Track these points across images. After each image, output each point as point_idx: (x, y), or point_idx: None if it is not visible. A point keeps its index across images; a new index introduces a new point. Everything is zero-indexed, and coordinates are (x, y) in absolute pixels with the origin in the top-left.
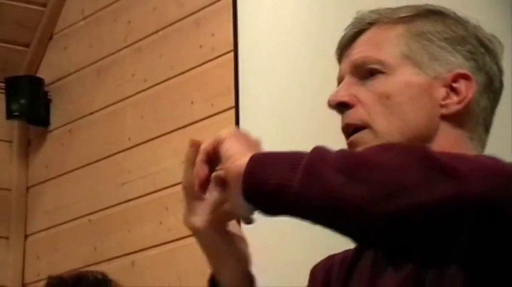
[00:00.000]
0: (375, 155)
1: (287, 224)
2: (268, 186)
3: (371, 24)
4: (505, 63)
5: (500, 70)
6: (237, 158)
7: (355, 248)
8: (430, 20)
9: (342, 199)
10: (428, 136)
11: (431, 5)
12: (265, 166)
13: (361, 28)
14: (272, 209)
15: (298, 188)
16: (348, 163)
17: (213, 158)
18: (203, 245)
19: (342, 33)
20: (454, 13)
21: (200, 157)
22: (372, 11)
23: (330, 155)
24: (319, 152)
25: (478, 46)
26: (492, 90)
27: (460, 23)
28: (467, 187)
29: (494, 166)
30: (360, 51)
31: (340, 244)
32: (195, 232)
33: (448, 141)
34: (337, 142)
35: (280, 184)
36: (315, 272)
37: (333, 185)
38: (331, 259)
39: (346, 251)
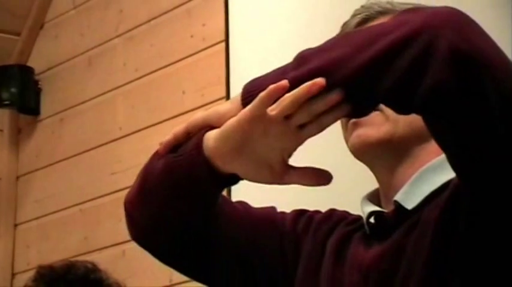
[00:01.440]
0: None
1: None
2: (266, 87)
3: (380, 13)
4: None
5: None
6: (223, 104)
7: (356, 219)
8: None
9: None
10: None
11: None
12: (257, 80)
13: (370, 16)
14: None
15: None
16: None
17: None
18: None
19: (346, 19)
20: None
21: (170, 140)
22: (383, 1)
23: (316, 49)
24: (305, 52)
25: None
26: None
27: None
28: None
29: None
30: None
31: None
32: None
33: None
34: (330, 131)
35: (276, 81)
36: (332, 215)
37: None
38: (344, 214)
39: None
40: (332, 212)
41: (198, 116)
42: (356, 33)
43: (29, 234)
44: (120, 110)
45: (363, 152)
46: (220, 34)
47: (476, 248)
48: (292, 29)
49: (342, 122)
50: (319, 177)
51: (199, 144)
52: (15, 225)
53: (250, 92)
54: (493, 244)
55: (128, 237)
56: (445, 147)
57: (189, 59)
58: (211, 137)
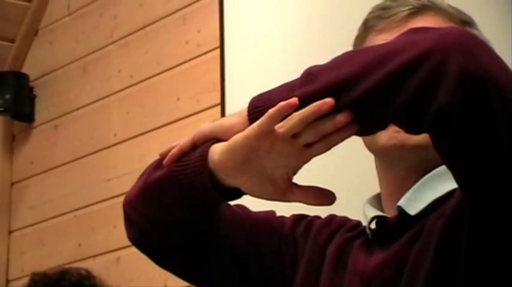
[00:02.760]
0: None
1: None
2: (274, 103)
3: (426, 8)
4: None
5: None
6: (229, 117)
7: (356, 224)
8: (478, 31)
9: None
10: None
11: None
12: (265, 95)
13: (417, 7)
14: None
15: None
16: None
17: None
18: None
19: (382, 7)
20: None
21: (176, 152)
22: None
23: (324, 66)
24: (313, 68)
25: None
26: None
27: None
28: None
29: None
30: None
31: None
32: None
33: None
34: None
35: (284, 97)
36: (332, 220)
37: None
38: (345, 219)
39: (352, 223)
40: (332, 217)
41: (205, 127)
42: (365, 52)
43: (24, 240)
44: (115, 116)
45: (400, 151)
46: (215, 40)
47: (479, 261)
48: (287, 35)
49: None
50: (323, 197)
51: (204, 156)
52: (10, 232)
53: (257, 107)
54: (496, 258)
55: (123, 243)
56: (451, 166)
57: (184, 65)
58: (216, 150)
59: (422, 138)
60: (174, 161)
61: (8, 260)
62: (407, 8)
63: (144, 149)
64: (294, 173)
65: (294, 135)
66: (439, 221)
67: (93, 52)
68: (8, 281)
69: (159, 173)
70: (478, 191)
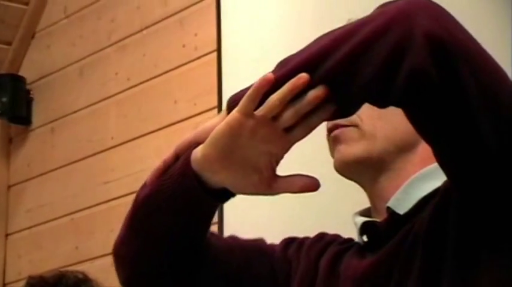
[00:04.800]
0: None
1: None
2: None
3: None
4: (505, 63)
5: None
6: (210, 120)
7: (347, 241)
8: None
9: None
10: (412, 144)
11: None
12: (241, 91)
13: None
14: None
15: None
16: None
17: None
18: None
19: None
20: None
21: (160, 166)
22: None
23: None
24: (286, 57)
25: None
26: None
27: None
28: None
29: None
30: None
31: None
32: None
33: (429, 151)
34: (322, 138)
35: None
36: (323, 237)
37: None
38: (335, 236)
39: (342, 239)
40: (322, 235)
41: (186, 137)
42: (333, 30)
43: (21, 244)
44: (112, 119)
45: (343, 170)
46: (213, 44)
47: (466, 255)
48: (284, 39)
49: (327, 137)
50: (307, 184)
51: (187, 159)
52: (7, 235)
53: (235, 100)
54: (483, 249)
55: None
56: (428, 139)
57: (181, 68)
58: (199, 149)
59: (361, 149)
60: (158, 176)
61: (5, 263)
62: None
63: (141, 152)
64: (277, 162)
65: (274, 118)
66: (425, 219)
67: (90, 55)
68: (5, 285)
69: (144, 191)
70: (459, 167)
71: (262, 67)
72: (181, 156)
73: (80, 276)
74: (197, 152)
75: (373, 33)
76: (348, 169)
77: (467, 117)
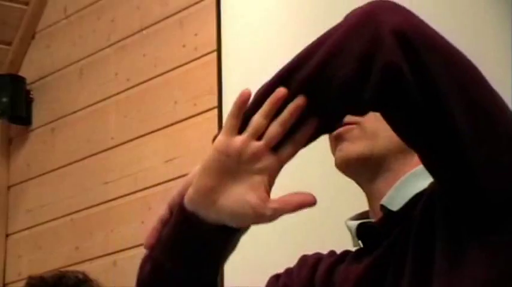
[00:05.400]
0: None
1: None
2: None
3: None
4: (504, 63)
5: None
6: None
7: (338, 254)
8: None
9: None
10: None
11: None
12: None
13: None
14: None
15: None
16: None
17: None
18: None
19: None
20: None
21: (156, 225)
22: None
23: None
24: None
25: None
26: None
27: None
28: None
29: None
30: None
31: (309, 245)
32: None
33: None
34: (322, 139)
35: None
36: (306, 259)
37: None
38: (318, 254)
39: (329, 253)
40: (305, 256)
41: (177, 187)
42: (307, 44)
43: (21, 244)
44: (112, 119)
45: (344, 167)
46: (212, 44)
47: (456, 254)
48: (284, 38)
49: (329, 135)
50: (304, 200)
51: (180, 206)
52: (7, 235)
53: (217, 134)
54: (473, 247)
55: (120, 247)
56: (407, 139)
57: (181, 68)
58: (190, 188)
59: (363, 146)
60: (156, 236)
61: (4, 263)
62: None
63: (141, 152)
64: (270, 184)
65: (260, 138)
66: (415, 217)
67: (90, 55)
68: (5, 285)
69: (147, 267)
70: (440, 165)
71: (262, 67)
72: (175, 208)
73: (80, 276)
74: (188, 192)
75: (343, 37)
76: (349, 166)
77: (440, 108)
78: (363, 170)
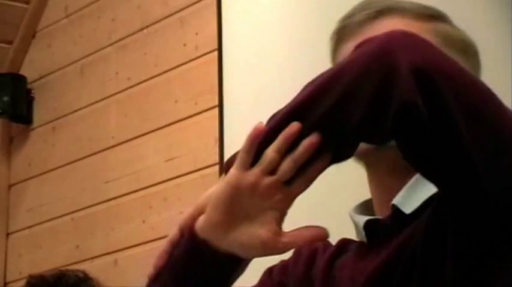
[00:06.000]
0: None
1: None
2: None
3: (390, 10)
4: (504, 63)
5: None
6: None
7: (337, 244)
8: (448, 23)
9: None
10: None
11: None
12: (235, 153)
13: (378, 10)
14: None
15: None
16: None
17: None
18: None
19: (347, 16)
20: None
21: (166, 247)
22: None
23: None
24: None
25: (475, 53)
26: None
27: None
28: None
29: None
30: None
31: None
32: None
33: None
34: None
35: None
36: (301, 251)
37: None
38: (314, 245)
39: (324, 243)
40: (299, 249)
41: (188, 210)
42: (317, 77)
43: (21, 243)
44: (112, 118)
45: (358, 159)
46: (213, 43)
47: (466, 265)
48: (285, 37)
49: None
50: (316, 235)
51: (191, 231)
52: (8, 234)
53: (232, 162)
54: (479, 252)
55: (120, 246)
56: (422, 170)
57: (182, 67)
58: (201, 217)
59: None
60: (165, 258)
61: (5, 262)
62: (366, 12)
63: (142, 151)
64: (282, 217)
65: (273, 172)
66: (427, 216)
67: (90, 54)
68: (5, 284)
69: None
70: (453, 192)
71: (263, 66)
72: (186, 232)
73: (81, 275)
74: (200, 220)
75: (358, 75)
76: (361, 159)
77: (458, 148)
78: (374, 162)
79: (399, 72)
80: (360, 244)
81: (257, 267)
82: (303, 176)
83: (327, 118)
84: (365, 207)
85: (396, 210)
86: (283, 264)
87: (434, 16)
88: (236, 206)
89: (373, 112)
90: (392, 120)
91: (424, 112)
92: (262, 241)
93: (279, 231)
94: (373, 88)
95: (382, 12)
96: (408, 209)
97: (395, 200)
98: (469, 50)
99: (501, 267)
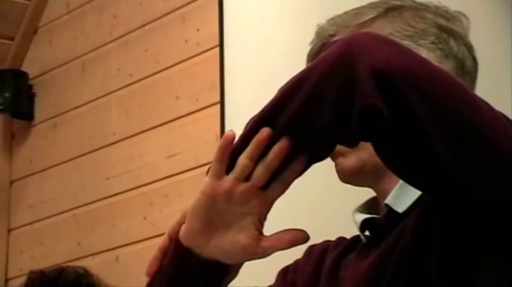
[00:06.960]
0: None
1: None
2: None
3: (332, 36)
4: (504, 63)
5: (469, 48)
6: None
7: (346, 242)
8: (388, 19)
9: None
10: None
11: (388, 1)
12: None
13: (324, 41)
14: None
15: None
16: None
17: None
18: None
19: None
20: (412, 1)
21: (157, 254)
22: (330, 21)
23: None
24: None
25: (440, 33)
26: (465, 71)
27: (419, 15)
28: None
29: None
30: None
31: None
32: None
33: None
34: None
35: None
36: (312, 250)
37: None
38: (326, 243)
39: (337, 240)
40: (311, 248)
41: (176, 218)
42: (286, 83)
43: (23, 239)
44: (114, 115)
45: (346, 181)
46: (215, 39)
47: (453, 264)
48: (286, 34)
49: None
50: (296, 238)
51: (177, 240)
52: (9, 230)
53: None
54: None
55: (122, 242)
56: (394, 169)
57: (184, 64)
58: (183, 227)
59: (355, 160)
60: (156, 265)
61: (7, 258)
62: (315, 45)
63: (143, 147)
64: (261, 222)
65: (248, 178)
66: (411, 223)
67: (92, 51)
68: (7, 280)
69: None
70: (428, 189)
71: (265, 62)
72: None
73: (81, 271)
74: (182, 229)
75: (320, 79)
76: (350, 179)
77: (425, 146)
78: (364, 178)
79: (359, 75)
80: (362, 242)
81: (270, 266)
82: (279, 180)
83: (294, 122)
84: (369, 205)
85: (390, 209)
86: (296, 263)
87: (365, 22)
88: (213, 214)
89: (338, 116)
90: (357, 124)
91: (387, 114)
92: (243, 247)
93: (258, 236)
94: (335, 92)
95: (325, 45)
96: (400, 207)
97: (388, 200)
98: (421, 32)
99: (483, 266)
